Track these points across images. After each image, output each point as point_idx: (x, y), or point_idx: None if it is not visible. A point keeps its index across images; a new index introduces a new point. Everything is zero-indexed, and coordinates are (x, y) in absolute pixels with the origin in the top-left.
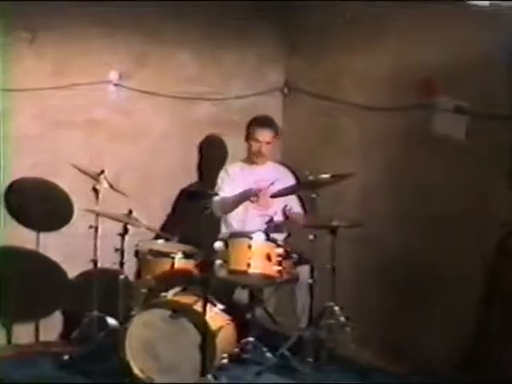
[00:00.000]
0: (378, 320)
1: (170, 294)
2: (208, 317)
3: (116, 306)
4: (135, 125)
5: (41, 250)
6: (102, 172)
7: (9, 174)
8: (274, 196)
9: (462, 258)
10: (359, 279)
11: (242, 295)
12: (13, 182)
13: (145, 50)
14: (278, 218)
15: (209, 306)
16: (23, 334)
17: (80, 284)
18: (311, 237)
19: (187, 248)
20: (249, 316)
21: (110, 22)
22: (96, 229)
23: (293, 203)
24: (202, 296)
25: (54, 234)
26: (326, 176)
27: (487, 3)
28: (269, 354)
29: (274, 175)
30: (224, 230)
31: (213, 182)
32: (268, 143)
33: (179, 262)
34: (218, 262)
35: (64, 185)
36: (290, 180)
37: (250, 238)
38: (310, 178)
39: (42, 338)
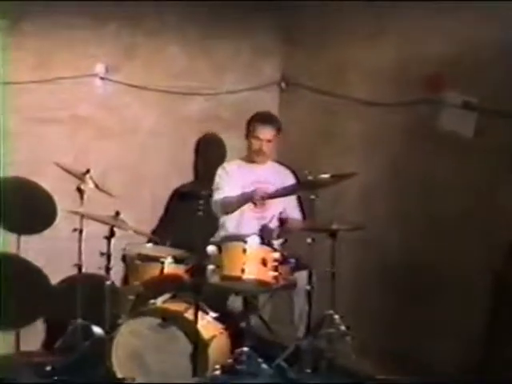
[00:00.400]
0: (379, 327)
1: (159, 301)
2: (200, 325)
3: (102, 313)
4: (123, 121)
5: (22, 254)
6: (88, 171)
7: None
8: (270, 197)
9: (468, 260)
10: (359, 285)
11: (235, 302)
12: None
13: (133, 41)
14: (274, 223)
15: (200, 313)
16: (2, 343)
17: (63, 290)
18: (309, 240)
19: (178, 252)
20: (243, 325)
21: (97, 11)
22: (80, 231)
23: (291, 206)
24: (193, 303)
25: (36, 237)
26: (326, 176)
27: None
28: (264, 365)
29: (273, 176)
30: (222, 233)
31: (210, 183)
32: (269, 141)
33: (169, 267)
34: (211, 267)
35: (47, 185)
36: (290, 181)
37: (245, 242)
38: (309, 178)
39: (23, 347)
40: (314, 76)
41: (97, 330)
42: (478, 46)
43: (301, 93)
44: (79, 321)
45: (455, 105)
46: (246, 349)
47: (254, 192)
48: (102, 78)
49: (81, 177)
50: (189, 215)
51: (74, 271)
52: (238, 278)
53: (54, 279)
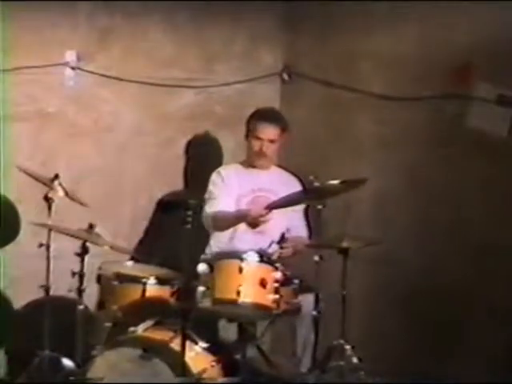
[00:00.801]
0: (397, 358)
1: (140, 329)
2: (187, 357)
3: (73, 343)
4: (98, 118)
5: None
6: (57, 176)
7: None
8: (269, 207)
9: (500, 284)
10: (374, 310)
11: (229, 330)
12: None
13: (109, 24)
14: (273, 247)
15: (188, 343)
16: None
17: (28, 316)
18: (316, 258)
19: (162, 272)
20: (238, 356)
21: None
22: (48, 247)
23: (296, 221)
24: (179, 331)
25: None
26: (335, 182)
27: None
28: None
29: (277, 184)
30: (214, 249)
31: (202, 192)
32: (272, 142)
33: (152, 288)
34: (201, 288)
35: (8, 193)
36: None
37: (241, 260)
38: (316, 184)
39: None
40: (321, 66)
41: (67, 362)
42: None
43: (305, 85)
44: (46, 352)
45: (487, 99)
46: None
47: (249, 212)
48: (73, 68)
49: (49, 183)
50: (175, 228)
51: (41, 294)
52: (233, 302)
53: (18, 303)
